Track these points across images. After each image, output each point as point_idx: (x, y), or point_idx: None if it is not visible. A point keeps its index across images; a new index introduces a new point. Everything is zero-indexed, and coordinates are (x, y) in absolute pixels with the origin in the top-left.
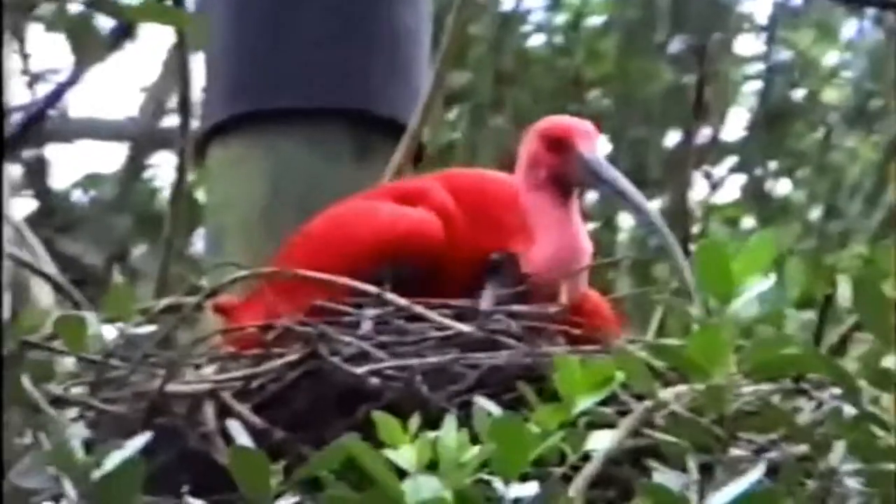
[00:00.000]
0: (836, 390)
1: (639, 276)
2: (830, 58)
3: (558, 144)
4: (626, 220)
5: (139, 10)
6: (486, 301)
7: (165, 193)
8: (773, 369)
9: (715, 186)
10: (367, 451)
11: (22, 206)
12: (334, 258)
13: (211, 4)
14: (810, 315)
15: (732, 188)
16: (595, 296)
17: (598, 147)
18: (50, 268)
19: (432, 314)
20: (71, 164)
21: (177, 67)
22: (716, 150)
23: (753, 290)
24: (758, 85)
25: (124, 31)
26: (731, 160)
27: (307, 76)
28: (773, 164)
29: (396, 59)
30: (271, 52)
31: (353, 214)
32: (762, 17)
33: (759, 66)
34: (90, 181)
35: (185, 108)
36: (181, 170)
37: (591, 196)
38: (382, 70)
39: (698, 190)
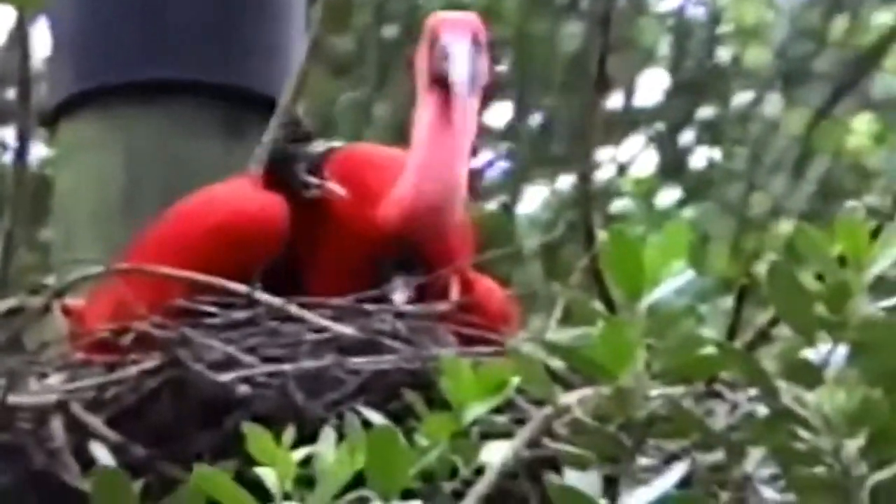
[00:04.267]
0: (754, 391)
1: (546, 260)
2: (752, 17)
3: (431, 39)
4: (525, 204)
5: None
6: (397, 292)
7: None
8: (687, 371)
9: (623, 167)
10: (222, 482)
11: None
12: (180, 254)
13: None
14: (730, 302)
15: (648, 160)
16: (489, 285)
17: (463, 34)
18: None
19: (308, 314)
20: None
21: (17, 36)
22: (627, 120)
23: (668, 284)
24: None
25: None
26: (645, 130)
27: (168, 46)
28: (689, 135)
29: (268, 27)
30: (125, 18)
31: (196, 206)
32: None
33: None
34: None
35: (24, 82)
36: (21, 153)
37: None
38: (252, 39)
39: (607, 167)
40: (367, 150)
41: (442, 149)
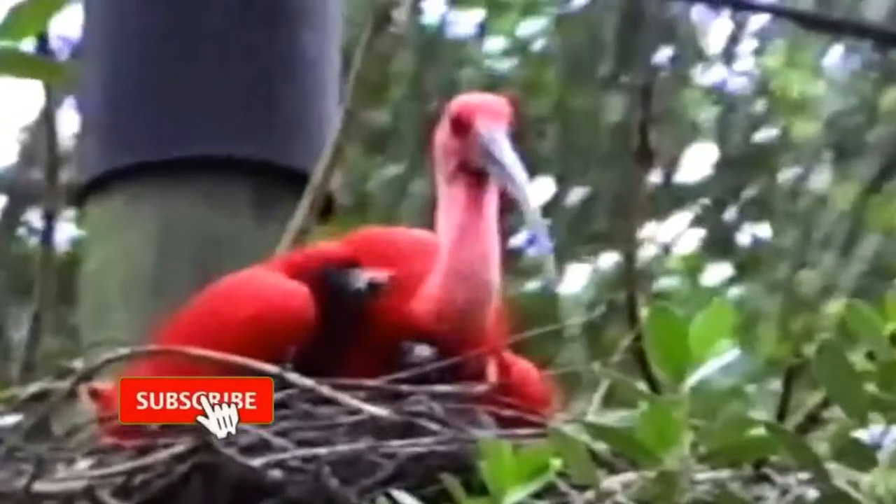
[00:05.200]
0: (804, 475)
1: (590, 341)
2: (799, 88)
3: (460, 125)
4: (568, 283)
5: (5, 63)
6: (417, 352)
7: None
8: (734, 453)
9: (668, 245)
10: None
11: None
12: (208, 343)
13: (88, 40)
14: (780, 384)
15: (694, 237)
16: (527, 367)
17: (501, 124)
18: None
19: (342, 396)
20: None
21: (45, 116)
22: (672, 195)
23: (713, 363)
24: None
25: None
26: (690, 206)
27: (197, 122)
28: (736, 211)
29: (300, 101)
30: (152, 95)
31: (222, 298)
32: (719, 43)
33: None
34: None
35: (52, 160)
36: (48, 233)
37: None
38: (284, 113)
39: (652, 244)
40: (398, 236)
41: (474, 245)
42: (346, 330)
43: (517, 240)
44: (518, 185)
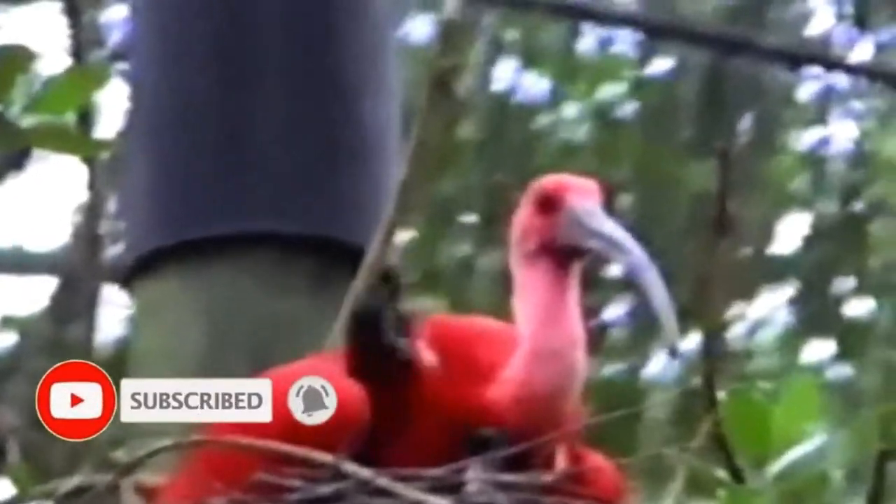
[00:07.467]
0: None
1: (679, 425)
2: (893, 152)
3: (548, 204)
4: (654, 366)
5: (41, 136)
6: (472, 474)
7: (103, 335)
8: None
9: (761, 321)
10: None
11: None
12: (262, 434)
13: (135, 114)
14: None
15: (789, 312)
16: (599, 460)
17: (594, 203)
18: None
19: (401, 488)
20: None
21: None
22: (764, 269)
23: (799, 448)
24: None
25: (23, 152)
26: (785, 280)
27: (251, 197)
28: (836, 284)
29: (359, 173)
30: (201, 170)
31: (277, 388)
32: (810, 106)
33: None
34: (9, 323)
35: (93, 243)
36: (89, 314)
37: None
38: (342, 186)
39: (739, 322)
40: (473, 323)
41: (560, 325)
42: (401, 416)
43: (597, 320)
44: (629, 253)
